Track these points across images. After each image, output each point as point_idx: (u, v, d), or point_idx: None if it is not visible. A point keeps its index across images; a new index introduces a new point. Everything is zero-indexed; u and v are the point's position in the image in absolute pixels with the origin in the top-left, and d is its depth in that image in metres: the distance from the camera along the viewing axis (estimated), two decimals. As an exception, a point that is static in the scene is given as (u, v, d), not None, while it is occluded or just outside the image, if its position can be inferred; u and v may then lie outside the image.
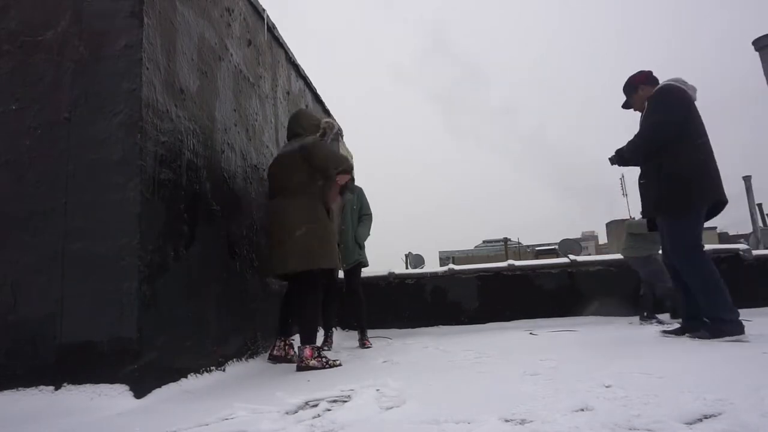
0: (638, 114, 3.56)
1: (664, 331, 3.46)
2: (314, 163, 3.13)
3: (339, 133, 3.73)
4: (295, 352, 3.22)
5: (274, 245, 3.12)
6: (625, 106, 3.63)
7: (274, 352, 3.28)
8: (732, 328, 2.94)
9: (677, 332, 3.33)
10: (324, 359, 2.97)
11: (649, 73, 3.50)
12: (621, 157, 3.54)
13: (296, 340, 3.25)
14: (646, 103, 3.39)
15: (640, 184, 3.43)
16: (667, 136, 3.16)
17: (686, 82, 3.32)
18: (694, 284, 3.13)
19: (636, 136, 3.39)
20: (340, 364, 3.01)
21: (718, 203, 3.21)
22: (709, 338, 2.97)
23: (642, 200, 3.44)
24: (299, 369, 2.89)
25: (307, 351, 2.94)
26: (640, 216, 3.68)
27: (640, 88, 3.48)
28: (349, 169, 3.35)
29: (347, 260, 4.46)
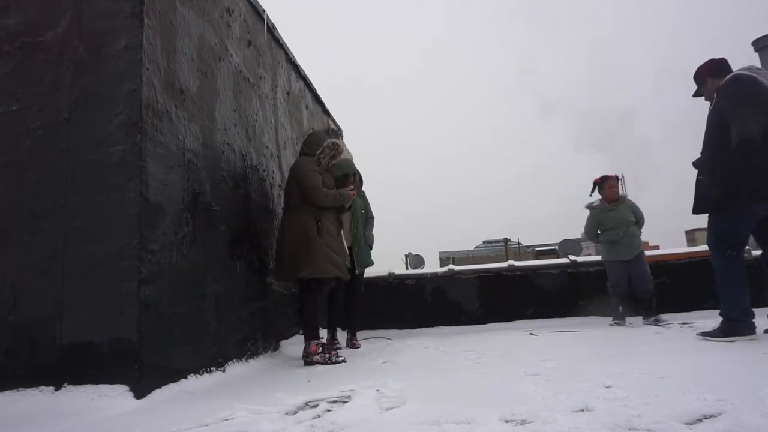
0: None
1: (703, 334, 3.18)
2: (300, 185, 3.45)
3: (339, 134, 3.74)
4: (337, 341, 3.88)
5: (276, 255, 3.57)
6: (696, 94, 3.44)
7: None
8: (743, 329, 2.93)
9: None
10: (327, 355, 3.20)
11: (718, 62, 3.28)
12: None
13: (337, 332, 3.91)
14: (716, 95, 3.19)
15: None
16: (755, 131, 2.89)
17: (760, 69, 3.13)
18: (717, 278, 3.11)
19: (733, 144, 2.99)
20: (343, 361, 3.20)
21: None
22: (720, 337, 2.94)
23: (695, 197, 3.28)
24: (306, 363, 3.20)
25: (312, 347, 3.23)
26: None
27: (708, 81, 3.29)
28: (330, 202, 3.50)
29: (363, 263, 4.62)
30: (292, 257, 3.35)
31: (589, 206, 4.89)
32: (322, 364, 3.14)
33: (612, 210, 4.72)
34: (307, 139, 3.80)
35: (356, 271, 4.53)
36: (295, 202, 3.47)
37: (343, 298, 4.42)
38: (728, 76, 3.16)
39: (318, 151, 3.61)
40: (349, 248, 4.43)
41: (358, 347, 4.31)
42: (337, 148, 3.67)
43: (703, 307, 4.88)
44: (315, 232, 3.38)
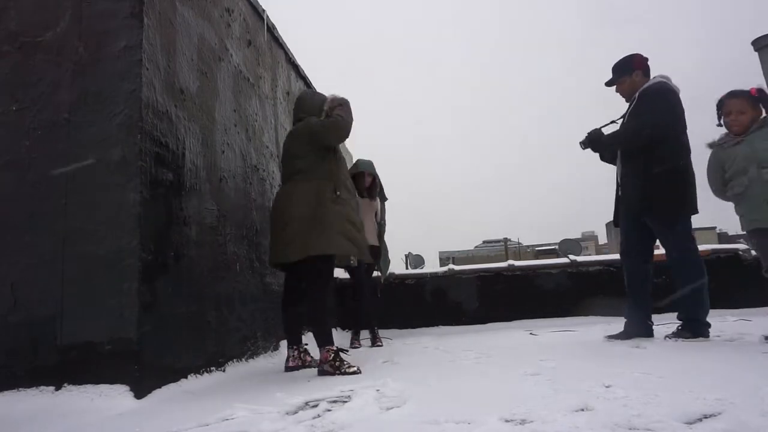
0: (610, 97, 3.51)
1: (609, 336, 3.36)
2: (324, 142, 2.88)
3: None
4: (312, 358, 2.99)
5: (275, 232, 2.88)
6: (610, 84, 3.43)
7: (290, 364, 2.95)
8: (706, 331, 3.03)
9: (621, 336, 3.30)
10: (337, 363, 2.62)
11: (647, 61, 3.34)
12: (594, 142, 3.40)
13: (309, 345, 3.07)
14: (637, 95, 3.25)
15: (622, 181, 3.34)
16: (663, 137, 3.11)
17: (672, 82, 3.26)
18: (689, 284, 3.08)
19: (627, 128, 3.26)
20: (358, 371, 2.58)
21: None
22: (690, 338, 3.00)
23: (626, 198, 3.33)
24: (319, 374, 2.64)
25: (323, 354, 2.66)
26: (620, 216, 3.47)
27: (635, 74, 3.31)
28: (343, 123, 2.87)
29: (386, 269, 4.87)
30: (301, 230, 2.70)
31: (711, 144, 3.18)
32: (332, 374, 2.58)
33: (739, 144, 2.94)
34: (303, 104, 3.09)
35: (382, 278, 4.83)
36: (305, 169, 2.84)
37: (363, 296, 4.49)
38: (658, 82, 3.21)
39: (325, 111, 2.98)
40: (374, 247, 4.53)
41: (358, 347, 4.32)
42: (339, 103, 2.97)
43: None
44: (331, 199, 2.77)
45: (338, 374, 2.56)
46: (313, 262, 2.73)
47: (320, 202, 2.74)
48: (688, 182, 3.13)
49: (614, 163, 3.48)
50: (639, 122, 3.17)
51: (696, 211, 3.17)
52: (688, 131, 3.22)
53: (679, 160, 3.12)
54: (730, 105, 2.95)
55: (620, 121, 3.43)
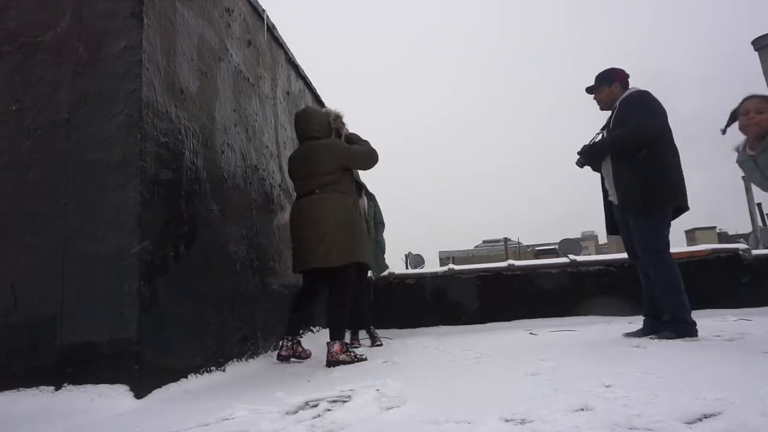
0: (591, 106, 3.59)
1: (627, 334, 3.44)
2: (359, 166, 3.50)
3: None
4: (302, 349, 3.32)
5: (309, 239, 3.18)
6: (590, 90, 3.58)
7: (282, 353, 3.24)
8: (692, 330, 3.05)
9: (639, 334, 3.35)
10: (352, 354, 3.09)
11: (628, 77, 3.49)
12: (589, 154, 3.45)
13: (304, 337, 3.39)
14: (617, 104, 3.37)
15: (615, 187, 3.38)
16: (655, 135, 3.17)
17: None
18: (662, 284, 3.16)
19: (623, 132, 3.26)
20: (365, 359, 3.13)
21: (680, 208, 3.29)
22: (674, 338, 3.02)
23: (620, 197, 3.35)
24: (329, 364, 2.97)
25: (337, 346, 3.03)
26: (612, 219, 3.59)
27: (615, 85, 3.45)
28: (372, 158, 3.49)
29: (381, 270, 4.82)
30: (342, 238, 3.14)
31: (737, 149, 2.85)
32: (350, 362, 2.99)
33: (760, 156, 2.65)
34: (313, 124, 3.44)
35: (373, 277, 4.78)
36: (332, 182, 3.24)
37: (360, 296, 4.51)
38: (640, 90, 3.32)
39: (334, 128, 3.47)
40: None
41: (357, 347, 4.33)
42: (343, 123, 3.58)
43: (702, 306, 4.88)
44: (356, 212, 3.31)
45: (356, 361, 3.02)
46: (343, 268, 3.17)
47: (351, 215, 3.24)
48: (665, 183, 3.17)
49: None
50: (635, 124, 3.20)
51: (672, 211, 3.24)
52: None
53: (667, 161, 3.19)
54: (747, 105, 2.68)
55: (603, 133, 3.52)
